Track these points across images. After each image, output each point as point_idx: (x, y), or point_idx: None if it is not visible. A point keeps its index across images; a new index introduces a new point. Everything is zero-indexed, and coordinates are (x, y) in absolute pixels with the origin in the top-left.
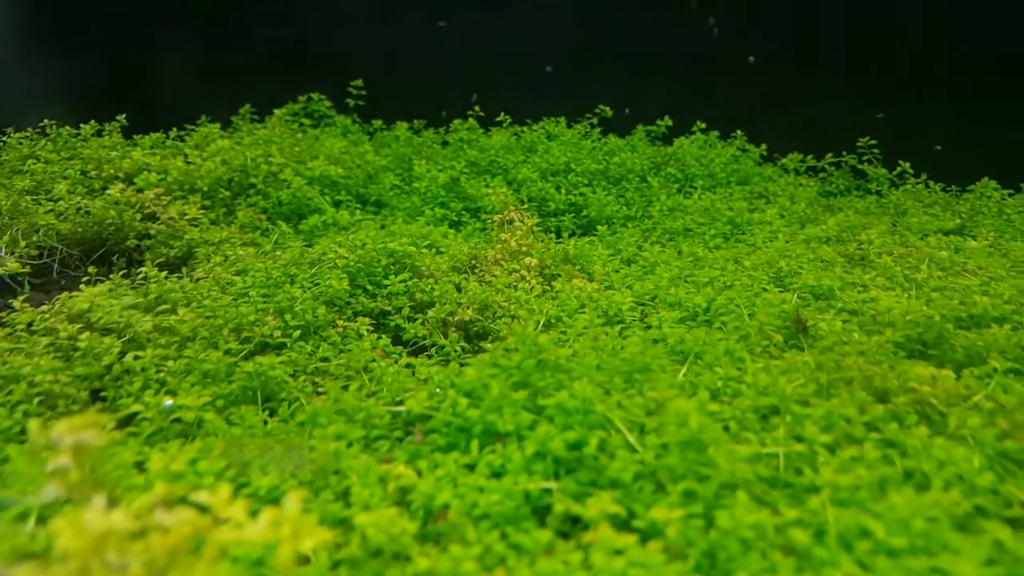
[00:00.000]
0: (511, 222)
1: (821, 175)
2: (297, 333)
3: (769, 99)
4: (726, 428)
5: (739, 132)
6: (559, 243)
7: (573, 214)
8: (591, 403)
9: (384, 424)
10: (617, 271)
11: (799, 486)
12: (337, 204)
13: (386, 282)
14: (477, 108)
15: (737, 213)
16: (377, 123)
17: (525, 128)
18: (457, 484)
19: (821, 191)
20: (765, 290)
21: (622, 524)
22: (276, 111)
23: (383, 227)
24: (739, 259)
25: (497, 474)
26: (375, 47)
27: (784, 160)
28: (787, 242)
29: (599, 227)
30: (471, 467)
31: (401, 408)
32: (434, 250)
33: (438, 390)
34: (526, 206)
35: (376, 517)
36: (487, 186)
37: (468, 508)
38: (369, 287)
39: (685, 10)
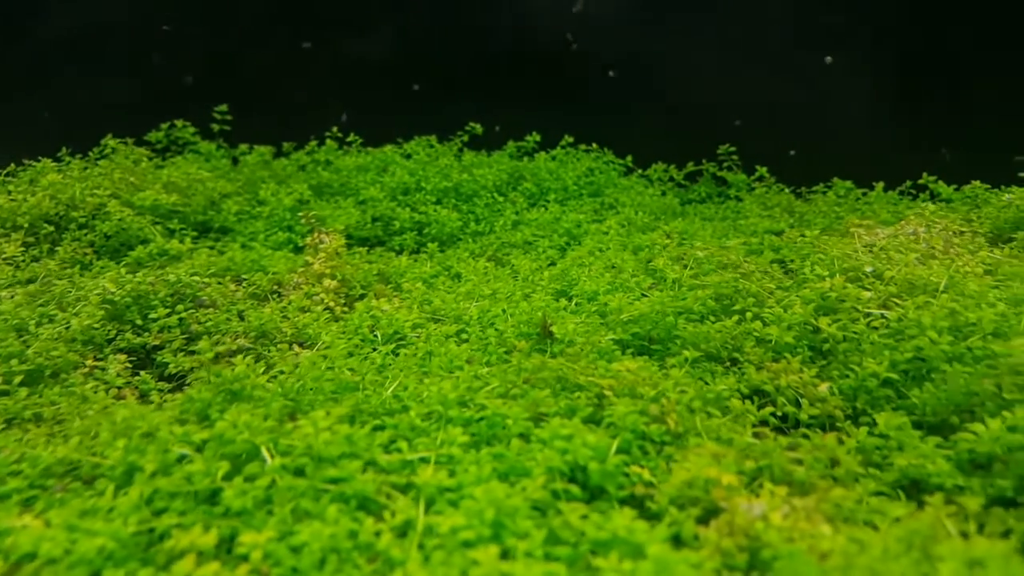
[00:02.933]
0: (321, 243)
1: (670, 184)
2: (18, 379)
3: (638, 110)
4: (402, 439)
5: (594, 144)
6: (396, 262)
7: (416, 232)
8: (243, 432)
9: (37, 473)
10: (426, 286)
11: (438, 488)
12: (172, 233)
13: (153, 315)
14: (335, 129)
15: (574, 224)
16: (243, 147)
17: (388, 147)
18: (76, 529)
19: (684, 199)
20: (545, 298)
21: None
22: (110, 142)
23: (222, 254)
24: (542, 268)
25: (125, 515)
26: (243, 72)
27: (648, 171)
28: (620, 250)
29: (430, 244)
30: (110, 510)
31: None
32: (225, 278)
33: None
34: (369, 226)
35: None
36: (339, 207)
37: (71, 553)
38: (140, 321)
39: (558, 25)
